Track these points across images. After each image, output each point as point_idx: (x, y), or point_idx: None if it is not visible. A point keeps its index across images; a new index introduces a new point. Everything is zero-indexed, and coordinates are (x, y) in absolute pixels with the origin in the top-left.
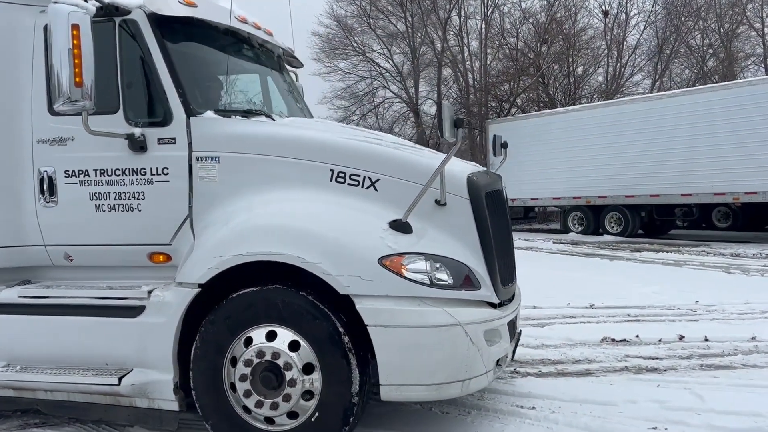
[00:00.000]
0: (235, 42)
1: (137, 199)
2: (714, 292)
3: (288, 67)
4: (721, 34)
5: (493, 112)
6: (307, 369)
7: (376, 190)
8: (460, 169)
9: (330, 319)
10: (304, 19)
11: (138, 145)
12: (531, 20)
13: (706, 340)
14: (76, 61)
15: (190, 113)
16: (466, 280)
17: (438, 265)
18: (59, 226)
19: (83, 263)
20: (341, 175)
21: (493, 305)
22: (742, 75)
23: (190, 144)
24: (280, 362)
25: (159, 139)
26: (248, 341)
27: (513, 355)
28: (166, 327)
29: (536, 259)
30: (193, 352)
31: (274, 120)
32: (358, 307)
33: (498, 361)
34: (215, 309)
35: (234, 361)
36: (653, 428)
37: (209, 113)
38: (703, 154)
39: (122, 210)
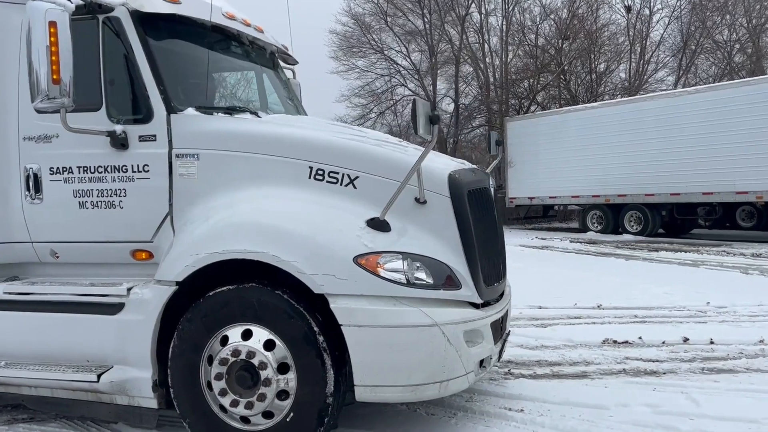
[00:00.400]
0: (223, 39)
1: (119, 196)
2: (727, 293)
3: (283, 64)
4: (749, 28)
5: (513, 110)
6: (282, 368)
7: (355, 187)
8: (443, 166)
9: (305, 318)
10: (322, 17)
11: (119, 143)
12: (552, 16)
13: (712, 342)
14: (53, 58)
15: (170, 110)
16: (447, 279)
17: (417, 264)
18: (45, 223)
19: (69, 260)
20: (320, 172)
21: (475, 305)
22: None
23: (170, 141)
24: (255, 361)
25: (140, 137)
26: (224, 340)
27: (500, 356)
28: (145, 324)
29: (549, 259)
30: (171, 349)
31: (259, 117)
32: (332, 306)
33: (482, 362)
34: (192, 307)
35: (210, 360)
36: None
37: (190, 110)
38: (725, 152)
39: (105, 207)
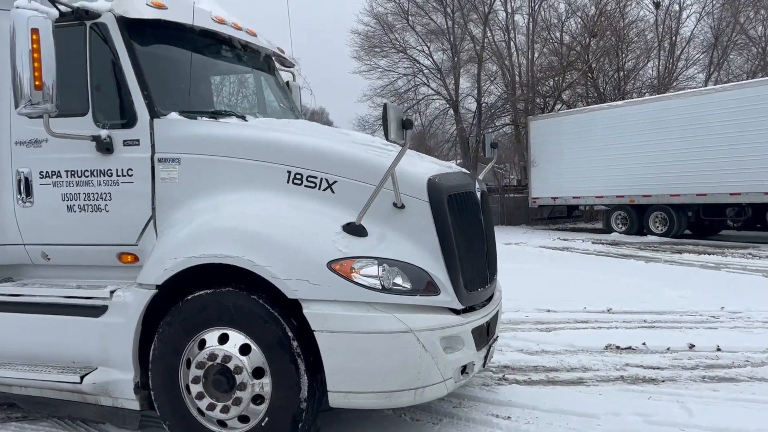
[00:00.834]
0: (213, 43)
1: (104, 200)
2: (745, 297)
3: (281, 66)
4: None
5: (538, 108)
6: (258, 373)
7: (333, 192)
8: (423, 170)
9: (279, 323)
10: (344, 17)
11: (104, 147)
12: (579, 13)
13: (718, 349)
14: (35, 64)
15: (154, 115)
16: (428, 285)
17: (394, 270)
18: (36, 226)
19: (60, 262)
20: (298, 176)
21: (455, 311)
22: None
23: (152, 145)
24: (231, 365)
25: (124, 141)
26: (202, 343)
27: (485, 362)
28: (126, 327)
29: (567, 260)
30: (151, 352)
31: (246, 121)
32: (305, 311)
33: (464, 368)
34: (172, 310)
35: (189, 363)
36: None
37: (173, 114)
38: (753, 151)
39: (92, 210)
